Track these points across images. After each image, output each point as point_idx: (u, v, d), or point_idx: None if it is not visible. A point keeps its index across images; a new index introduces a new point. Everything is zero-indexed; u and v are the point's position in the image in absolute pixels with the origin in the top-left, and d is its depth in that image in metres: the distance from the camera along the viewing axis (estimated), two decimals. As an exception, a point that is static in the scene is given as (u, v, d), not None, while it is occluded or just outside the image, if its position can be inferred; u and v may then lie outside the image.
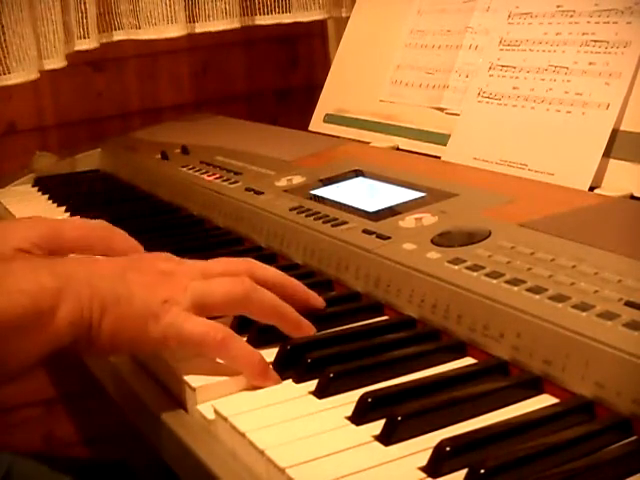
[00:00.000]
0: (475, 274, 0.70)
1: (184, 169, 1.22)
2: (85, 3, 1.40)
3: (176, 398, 0.68)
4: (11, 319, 0.61)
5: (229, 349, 0.66)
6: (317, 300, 0.75)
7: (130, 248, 0.80)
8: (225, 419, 0.61)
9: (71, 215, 1.21)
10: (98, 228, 0.82)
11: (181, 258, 0.73)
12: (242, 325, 0.72)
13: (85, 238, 0.80)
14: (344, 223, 0.87)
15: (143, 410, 0.70)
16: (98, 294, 0.65)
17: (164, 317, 0.66)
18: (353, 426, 0.58)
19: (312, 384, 0.64)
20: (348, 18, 1.45)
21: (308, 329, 0.71)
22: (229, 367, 0.66)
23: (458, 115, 1.12)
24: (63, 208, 1.24)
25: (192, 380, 0.65)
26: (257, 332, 0.71)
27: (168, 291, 0.67)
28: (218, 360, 0.67)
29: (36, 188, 1.40)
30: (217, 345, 0.66)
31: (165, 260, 0.72)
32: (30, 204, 1.27)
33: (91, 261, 0.72)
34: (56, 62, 1.37)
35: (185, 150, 1.30)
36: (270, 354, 0.68)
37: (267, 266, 0.74)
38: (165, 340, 0.66)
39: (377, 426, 0.57)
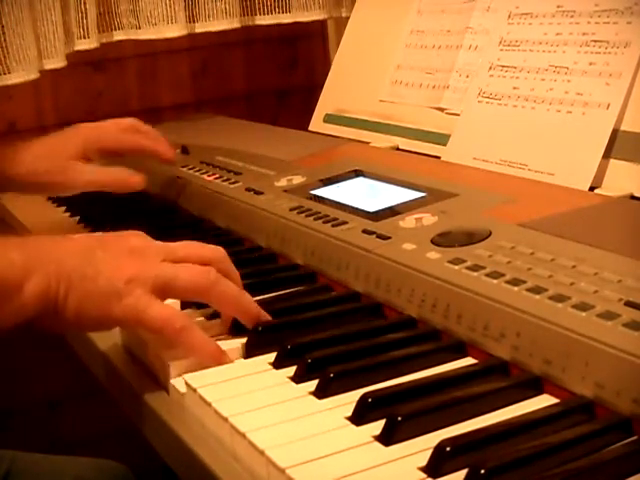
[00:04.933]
0: (475, 274, 0.70)
1: (184, 169, 1.22)
2: (85, 3, 1.40)
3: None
4: None
5: (186, 338, 0.68)
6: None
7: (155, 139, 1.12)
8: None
9: (70, 216, 1.21)
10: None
11: (152, 238, 0.74)
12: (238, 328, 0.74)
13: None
14: (344, 223, 0.87)
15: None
16: (64, 271, 0.67)
17: (126, 297, 0.67)
18: (353, 426, 0.58)
19: (312, 384, 0.64)
20: (348, 18, 1.46)
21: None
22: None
23: (458, 115, 1.12)
24: (63, 208, 1.24)
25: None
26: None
27: (135, 270, 0.69)
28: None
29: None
30: (175, 333, 0.68)
31: (137, 237, 0.73)
32: (32, 204, 1.27)
33: (63, 239, 0.74)
34: (56, 62, 1.37)
35: (185, 150, 1.30)
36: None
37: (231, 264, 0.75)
38: (126, 320, 0.69)
39: (377, 426, 0.57)
